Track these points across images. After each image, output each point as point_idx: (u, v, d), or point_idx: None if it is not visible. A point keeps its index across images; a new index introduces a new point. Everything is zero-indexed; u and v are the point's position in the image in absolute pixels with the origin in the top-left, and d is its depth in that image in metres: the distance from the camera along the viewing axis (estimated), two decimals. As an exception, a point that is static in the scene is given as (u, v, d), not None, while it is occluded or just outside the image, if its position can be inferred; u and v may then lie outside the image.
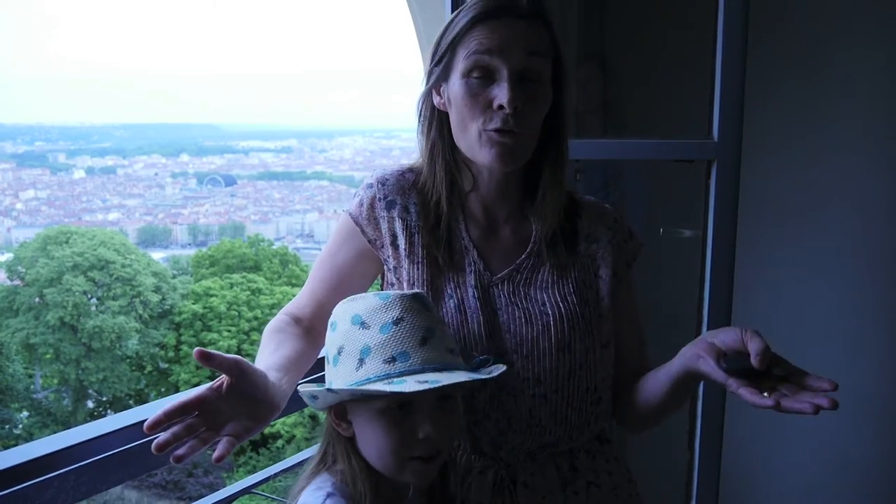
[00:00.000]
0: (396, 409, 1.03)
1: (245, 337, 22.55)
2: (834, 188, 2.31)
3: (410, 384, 0.98)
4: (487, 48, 1.15)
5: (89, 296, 23.83)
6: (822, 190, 2.33)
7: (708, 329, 1.89)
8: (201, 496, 1.72)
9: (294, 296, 1.39)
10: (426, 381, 0.98)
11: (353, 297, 1.11)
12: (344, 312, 1.09)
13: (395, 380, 1.00)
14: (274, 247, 28.42)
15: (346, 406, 1.08)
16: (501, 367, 1.09)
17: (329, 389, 1.02)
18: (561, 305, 1.23)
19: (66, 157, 58.10)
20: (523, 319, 1.23)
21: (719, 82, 1.82)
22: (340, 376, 1.06)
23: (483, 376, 1.05)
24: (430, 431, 1.02)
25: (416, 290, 1.15)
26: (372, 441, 1.06)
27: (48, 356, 23.21)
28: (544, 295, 1.25)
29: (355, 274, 1.32)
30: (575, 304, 1.24)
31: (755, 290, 2.32)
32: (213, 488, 16.65)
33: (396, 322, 1.04)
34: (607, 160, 2.62)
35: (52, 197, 45.98)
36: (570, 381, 1.23)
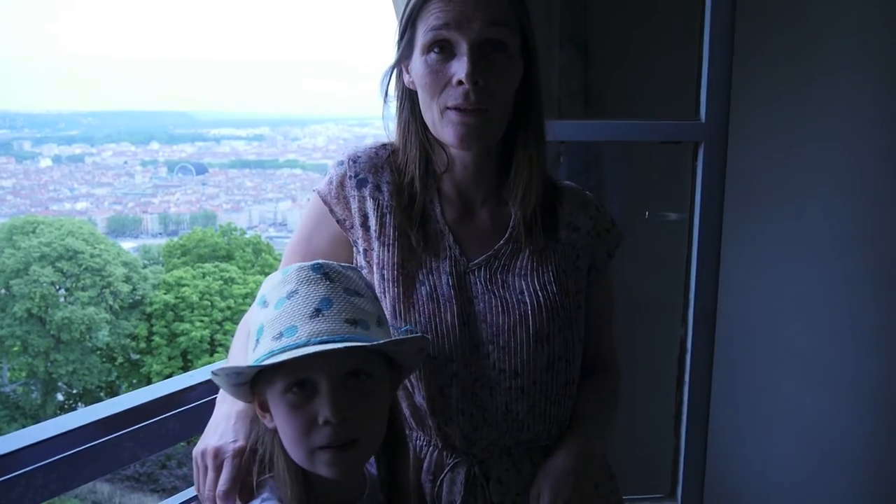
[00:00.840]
0: (296, 391, 0.93)
1: (218, 327, 22.36)
2: (819, 171, 2.30)
3: (272, 358, 0.91)
4: (444, 21, 1.09)
5: (57, 287, 23.48)
6: (807, 173, 2.31)
7: (694, 312, 1.87)
8: (175, 488, 1.67)
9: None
10: (295, 348, 0.90)
11: (270, 275, 1.04)
12: (259, 294, 1.03)
13: (275, 356, 0.92)
14: (247, 236, 28.20)
15: (265, 395, 0.98)
16: (415, 335, 1.02)
17: (214, 373, 0.96)
18: (540, 294, 1.18)
19: (32, 145, 57.07)
20: (500, 308, 1.17)
21: (707, 64, 1.80)
22: (248, 360, 0.99)
23: (371, 342, 0.93)
24: (330, 415, 0.91)
25: (330, 262, 1.02)
26: (280, 429, 0.97)
27: (15, 349, 22.84)
28: (523, 283, 1.19)
29: (330, 258, 1.26)
30: (555, 294, 1.18)
31: (740, 272, 2.31)
32: (187, 480, 16.52)
33: (290, 296, 0.96)
34: (590, 143, 2.59)
35: (18, 186, 45.15)
36: (549, 374, 1.17)
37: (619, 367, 1.37)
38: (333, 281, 0.98)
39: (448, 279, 1.17)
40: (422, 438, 1.20)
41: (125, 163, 53.05)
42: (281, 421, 0.96)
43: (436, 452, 1.19)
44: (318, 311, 0.94)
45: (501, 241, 1.21)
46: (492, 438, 1.18)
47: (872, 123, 2.26)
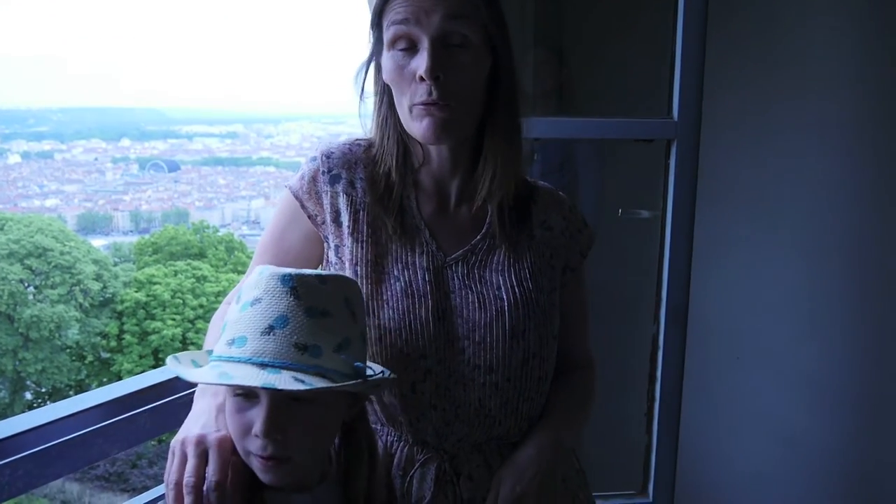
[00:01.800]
0: (242, 395, 0.95)
1: (190, 325, 22.17)
2: (790, 170, 2.33)
3: (208, 374, 0.92)
4: (405, 17, 1.08)
5: (26, 284, 23.14)
6: (778, 171, 2.34)
7: (666, 309, 1.88)
8: (146, 488, 1.65)
9: (239, 283, 1.31)
10: (226, 374, 0.91)
11: (260, 266, 1.03)
12: (248, 277, 1.03)
13: (221, 363, 0.93)
14: (219, 233, 28.00)
15: None
16: (352, 382, 0.96)
17: (172, 364, 1.00)
18: (516, 290, 1.17)
19: (1, 141, 56.17)
20: (477, 304, 1.16)
21: (680, 62, 1.81)
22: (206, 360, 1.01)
23: (293, 387, 0.90)
24: (261, 429, 0.92)
25: (297, 272, 0.98)
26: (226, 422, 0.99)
27: (-18, 347, 22.51)
28: (500, 278, 1.18)
29: (302, 258, 1.24)
30: (531, 290, 1.18)
31: (712, 270, 2.33)
32: (157, 479, 16.36)
33: (254, 302, 0.95)
34: (563, 140, 2.60)
35: (-14, 183, 44.49)
36: (523, 370, 1.17)
37: (594, 364, 1.37)
38: (299, 298, 0.95)
39: (424, 274, 1.17)
40: (392, 434, 1.20)
41: (96, 159, 52.34)
42: (227, 415, 0.97)
43: (406, 448, 1.19)
44: (270, 329, 0.93)
45: (478, 237, 1.21)
46: (463, 434, 1.17)
47: (844, 122, 2.29)
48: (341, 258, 1.20)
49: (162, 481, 1.02)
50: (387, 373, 1.07)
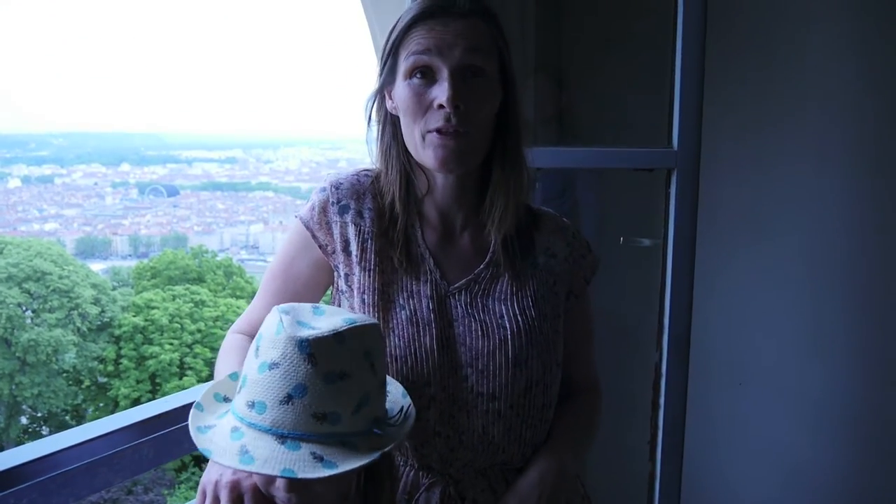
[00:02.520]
0: None
1: (188, 350, 22.10)
2: (788, 196, 2.35)
3: (230, 456, 0.94)
4: (426, 48, 1.12)
5: (24, 308, 23.08)
6: (777, 198, 2.36)
7: (669, 336, 1.89)
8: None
9: (238, 307, 1.33)
10: (247, 453, 0.93)
11: (279, 306, 1.02)
12: (265, 321, 1.02)
13: (241, 429, 0.96)
14: (218, 258, 27.98)
15: None
16: (372, 456, 0.97)
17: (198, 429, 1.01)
18: (519, 318, 1.19)
19: (1, 165, 56.31)
20: (480, 332, 1.18)
21: (679, 93, 1.83)
22: (232, 389, 1.04)
23: (310, 475, 0.92)
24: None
25: (314, 336, 0.96)
26: None
27: (-21, 371, 22.39)
28: (502, 307, 1.20)
29: (310, 285, 1.27)
30: (534, 318, 1.20)
31: (712, 297, 2.34)
32: (154, 506, 16.24)
33: (272, 367, 0.95)
34: (565, 168, 2.62)
35: (-15, 207, 44.55)
36: (526, 398, 1.19)
37: (599, 388, 1.39)
38: (317, 364, 0.95)
39: (428, 302, 1.18)
40: (398, 458, 1.21)
41: (95, 184, 52.50)
42: None
43: (412, 472, 1.20)
44: (289, 398, 0.94)
45: (482, 266, 1.23)
46: (467, 460, 1.19)
47: (842, 148, 2.32)
48: (350, 286, 1.22)
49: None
50: (406, 403, 1.08)
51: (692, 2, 1.80)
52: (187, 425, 1.02)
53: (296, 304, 1.04)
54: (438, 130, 1.12)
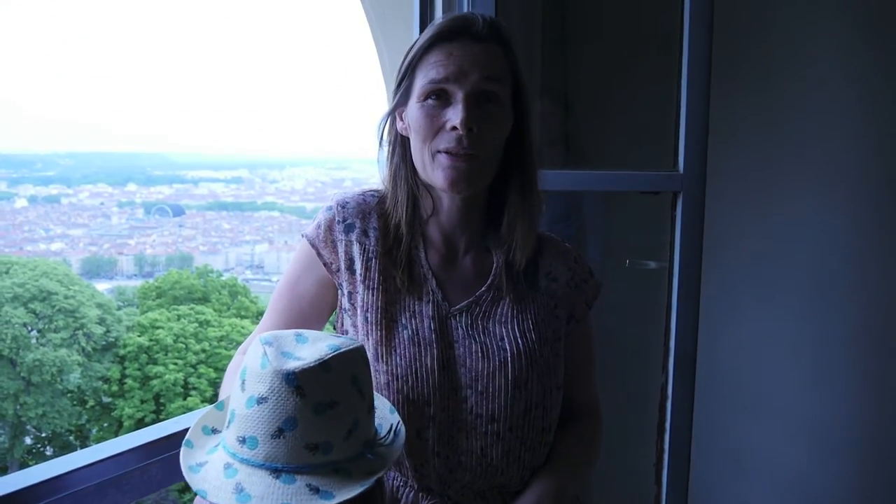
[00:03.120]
0: None
1: (192, 370, 22.07)
2: (793, 220, 2.37)
3: (221, 494, 0.94)
4: (444, 75, 1.14)
5: (29, 328, 23.11)
6: (783, 221, 2.38)
7: (675, 358, 1.89)
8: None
9: (243, 327, 1.34)
10: (242, 491, 0.93)
11: (262, 336, 1.03)
12: (249, 353, 1.02)
13: (234, 466, 0.96)
14: (223, 278, 28.03)
15: None
16: (362, 484, 0.97)
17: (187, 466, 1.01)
18: (520, 341, 1.20)
19: (8, 185, 56.59)
20: (480, 354, 1.19)
21: (685, 116, 1.85)
22: (220, 420, 1.05)
23: (321, 501, 0.93)
24: None
25: (300, 367, 0.96)
26: None
27: (-16, 391, 22.39)
28: (503, 329, 1.21)
29: (316, 303, 1.28)
30: (534, 341, 1.21)
31: (718, 320, 2.34)
32: (157, 527, 16.15)
33: (260, 401, 0.95)
34: (569, 191, 2.63)
35: (-7, 226, 44.74)
36: (525, 420, 1.19)
37: (600, 413, 1.39)
38: (305, 396, 0.95)
39: (430, 323, 1.20)
40: (398, 479, 1.21)
41: (102, 204, 52.75)
42: None
43: (412, 493, 1.21)
44: (280, 431, 0.95)
45: (483, 288, 1.24)
46: (466, 481, 1.19)
47: (847, 175, 2.33)
48: (353, 304, 1.23)
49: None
50: (395, 421, 1.08)
51: (697, 27, 1.82)
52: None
53: (279, 333, 1.04)
54: (448, 151, 1.14)
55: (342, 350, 0.99)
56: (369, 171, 1.41)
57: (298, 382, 0.95)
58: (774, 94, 2.37)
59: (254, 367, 0.98)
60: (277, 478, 0.94)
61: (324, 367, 0.97)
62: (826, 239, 2.35)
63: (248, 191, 60.04)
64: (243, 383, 0.98)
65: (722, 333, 2.39)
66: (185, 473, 1.00)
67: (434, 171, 1.16)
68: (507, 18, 2.13)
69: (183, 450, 1.03)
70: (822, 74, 2.34)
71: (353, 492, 0.94)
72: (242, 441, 0.96)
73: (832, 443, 2.37)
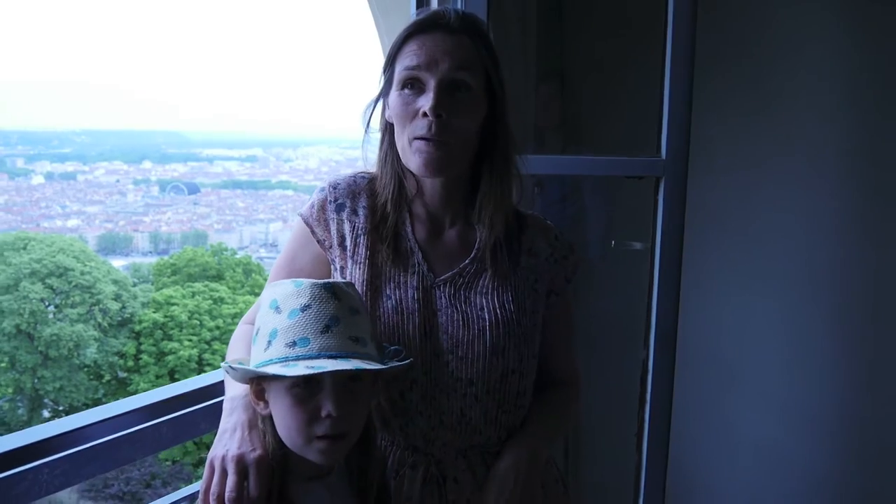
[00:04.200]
0: (303, 385, 1.08)
1: (206, 346, 22.31)
2: (776, 204, 2.42)
3: (300, 369, 1.05)
4: (417, 63, 1.24)
5: (47, 303, 23.40)
6: (764, 207, 2.43)
7: (655, 335, 1.98)
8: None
9: (255, 303, 1.44)
10: (312, 367, 1.04)
11: (277, 282, 1.17)
12: (267, 296, 1.15)
13: (290, 363, 1.06)
14: (237, 256, 28.20)
15: (263, 386, 1.14)
16: (406, 361, 1.16)
17: (231, 367, 1.11)
18: (499, 311, 1.30)
19: (25, 162, 56.97)
20: (461, 322, 1.29)
21: (667, 103, 1.92)
22: (254, 355, 1.13)
23: (374, 367, 1.08)
24: (333, 410, 1.07)
25: (337, 280, 1.20)
26: (281, 417, 1.11)
27: (3, 365, 22.69)
28: (483, 300, 1.31)
29: (313, 276, 1.38)
30: (512, 312, 1.31)
31: (702, 301, 2.42)
32: (171, 499, 16.39)
33: (304, 309, 1.10)
34: (567, 176, 2.71)
35: (10, 202, 45.04)
36: (502, 384, 1.30)
37: (578, 382, 1.49)
38: (341, 300, 1.12)
39: (414, 293, 1.30)
40: (386, 438, 1.32)
41: (117, 181, 53.02)
42: (283, 410, 1.10)
43: (398, 451, 1.32)
44: (327, 328, 1.09)
45: (467, 261, 1.34)
46: (447, 439, 1.30)
47: (830, 158, 2.38)
48: (344, 278, 1.34)
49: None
50: (400, 350, 1.22)
51: (681, 10, 1.88)
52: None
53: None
54: (421, 137, 1.24)
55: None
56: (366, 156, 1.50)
57: (334, 290, 1.12)
58: (761, 75, 2.41)
59: (287, 290, 1.12)
60: (335, 360, 1.07)
61: (346, 284, 1.16)
62: (810, 220, 2.41)
63: (262, 169, 60.13)
64: (277, 307, 1.12)
65: (707, 313, 2.47)
66: (246, 372, 1.11)
67: (411, 157, 1.26)
68: (503, 5, 2.21)
69: (228, 371, 1.14)
70: (809, 54, 2.39)
71: (403, 364, 1.14)
72: (293, 344, 1.08)
73: (809, 417, 2.45)
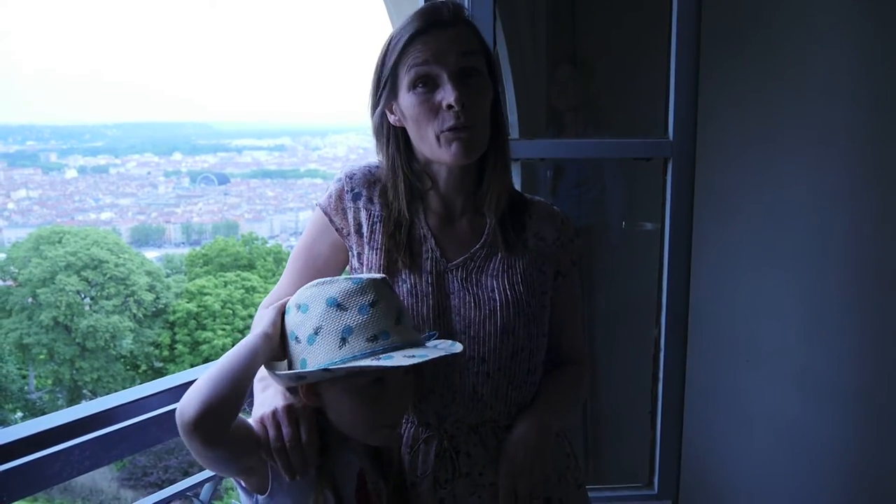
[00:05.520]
0: (373, 383, 1.14)
1: (240, 335, 22.56)
2: (788, 182, 2.41)
3: (398, 359, 1.09)
4: (424, 59, 1.27)
5: (83, 295, 23.87)
6: (777, 184, 2.42)
7: (667, 314, 2.02)
8: (197, 495, 1.85)
9: (274, 288, 1.50)
10: (413, 356, 1.09)
11: (320, 280, 1.19)
12: (316, 295, 1.17)
13: (381, 356, 1.10)
14: (268, 245, 28.51)
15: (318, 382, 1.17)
16: (458, 346, 1.19)
17: (326, 369, 1.11)
18: (508, 293, 1.35)
19: (58, 156, 57.96)
20: (472, 303, 1.34)
21: (674, 84, 1.93)
22: (319, 355, 1.14)
23: (457, 349, 1.16)
24: (402, 401, 1.14)
25: (379, 274, 1.26)
26: (347, 412, 1.16)
27: (42, 356, 23.25)
28: (494, 282, 1.36)
29: (330, 263, 1.43)
30: (521, 293, 1.36)
31: (716, 277, 2.43)
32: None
33: (373, 304, 1.14)
34: (584, 160, 2.74)
35: (44, 196, 45.91)
36: (513, 362, 1.35)
37: (586, 360, 1.54)
38: (393, 293, 1.18)
39: (428, 277, 1.36)
40: None
41: (149, 173, 53.74)
42: (352, 406, 1.15)
43: (412, 428, 1.37)
44: (398, 320, 1.15)
45: (478, 246, 1.39)
46: (459, 416, 1.35)
47: (840, 135, 2.37)
48: (361, 264, 1.40)
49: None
50: (434, 334, 1.28)
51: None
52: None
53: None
54: (451, 129, 1.28)
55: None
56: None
57: (390, 284, 1.19)
58: (771, 53, 2.40)
59: (345, 289, 1.15)
60: (419, 347, 1.14)
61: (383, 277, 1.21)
62: (822, 194, 2.39)
63: (290, 158, 60.54)
64: (338, 305, 1.15)
65: (721, 289, 2.47)
66: (350, 366, 1.12)
67: (442, 149, 1.30)
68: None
69: (311, 374, 1.16)
70: (820, 31, 2.37)
71: (459, 348, 1.18)
72: (374, 339, 1.13)
73: (828, 391, 2.44)
